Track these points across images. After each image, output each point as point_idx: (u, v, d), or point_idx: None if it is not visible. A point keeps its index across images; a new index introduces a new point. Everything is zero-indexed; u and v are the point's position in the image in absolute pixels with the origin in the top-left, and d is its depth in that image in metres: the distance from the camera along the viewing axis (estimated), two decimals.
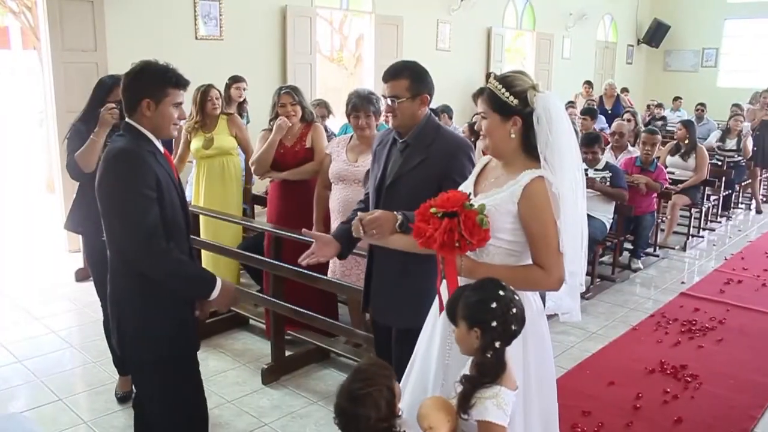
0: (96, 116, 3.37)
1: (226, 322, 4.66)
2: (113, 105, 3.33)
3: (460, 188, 2.25)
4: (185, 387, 2.59)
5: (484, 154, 2.37)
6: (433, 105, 7.79)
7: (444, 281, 2.16)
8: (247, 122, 6.44)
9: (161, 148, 2.46)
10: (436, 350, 2.22)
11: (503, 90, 2.11)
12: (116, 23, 6.51)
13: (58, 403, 3.67)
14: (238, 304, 2.56)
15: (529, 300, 2.11)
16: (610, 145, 6.93)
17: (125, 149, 2.33)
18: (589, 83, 11.76)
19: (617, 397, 3.81)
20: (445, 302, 2.21)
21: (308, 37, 8.49)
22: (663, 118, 11.58)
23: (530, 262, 2.15)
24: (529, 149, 2.13)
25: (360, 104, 3.76)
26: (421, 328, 2.35)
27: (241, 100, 6.46)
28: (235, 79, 6.39)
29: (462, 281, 2.07)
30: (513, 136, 2.12)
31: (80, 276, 5.60)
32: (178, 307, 2.48)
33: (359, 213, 2.56)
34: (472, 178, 2.33)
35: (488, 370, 1.86)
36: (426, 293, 2.36)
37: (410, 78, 2.61)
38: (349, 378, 1.90)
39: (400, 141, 2.68)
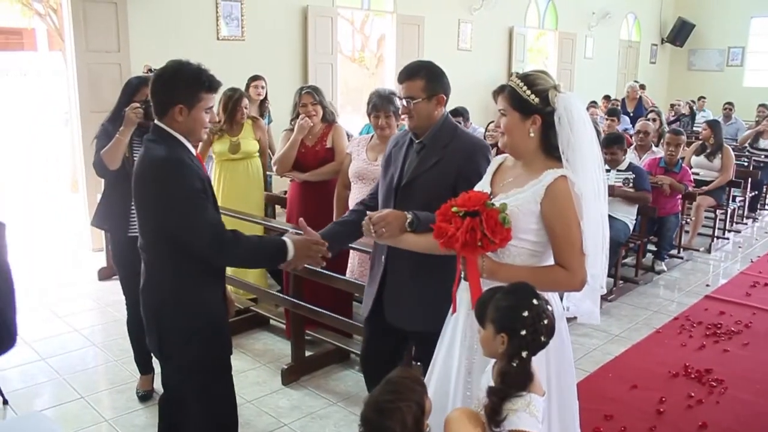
0: (122, 115, 3.43)
1: (247, 322, 4.68)
2: (138, 105, 3.38)
3: (476, 188, 2.23)
4: (218, 391, 2.58)
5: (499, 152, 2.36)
6: (455, 105, 7.75)
7: (462, 282, 2.14)
8: (269, 122, 6.46)
9: (194, 151, 2.45)
10: (457, 353, 2.20)
11: (525, 88, 2.10)
12: (139, 24, 6.57)
13: (80, 401, 3.70)
14: (321, 254, 2.57)
15: (551, 302, 2.09)
16: (634, 145, 6.85)
17: (169, 159, 2.30)
18: (607, 97, 11.54)
19: (640, 400, 3.75)
20: (459, 303, 2.20)
21: (329, 37, 8.50)
22: (693, 116, 11.43)
23: (552, 262, 2.13)
24: (548, 149, 2.13)
25: (380, 104, 3.75)
26: (440, 331, 2.34)
27: (261, 98, 6.48)
28: (254, 78, 6.42)
29: (483, 283, 2.05)
30: (532, 134, 2.12)
31: (103, 275, 5.66)
32: (217, 311, 2.50)
33: (368, 212, 2.54)
34: (487, 177, 2.31)
35: (513, 380, 1.82)
36: (443, 295, 2.35)
37: (426, 78, 2.60)
38: (379, 388, 1.84)
39: (417, 142, 2.67)
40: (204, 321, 2.43)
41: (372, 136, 3.99)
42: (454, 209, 2.03)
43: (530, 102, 2.10)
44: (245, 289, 4.66)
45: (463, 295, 2.20)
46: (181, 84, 2.33)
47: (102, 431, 3.43)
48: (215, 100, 2.44)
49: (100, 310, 5.07)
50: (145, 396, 3.73)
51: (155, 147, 2.35)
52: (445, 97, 2.65)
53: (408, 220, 2.45)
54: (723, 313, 5.09)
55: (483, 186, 2.27)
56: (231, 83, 4.94)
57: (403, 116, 2.66)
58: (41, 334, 4.55)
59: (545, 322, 1.84)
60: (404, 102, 2.60)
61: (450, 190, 2.47)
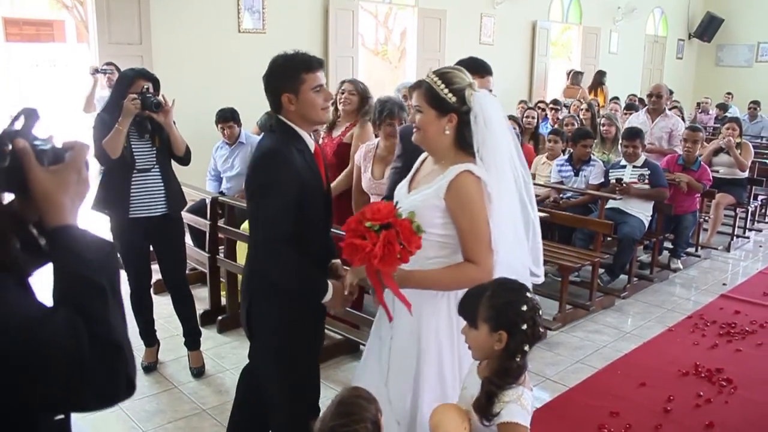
0: (119, 107, 3.53)
1: None
2: (135, 96, 3.49)
3: (399, 186, 2.29)
4: (297, 380, 2.58)
5: None
6: None
7: (386, 290, 2.15)
8: None
9: (311, 145, 2.45)
10: (443, 356, 2.24)
11: (442, 86, 2.12)
12: (161, 16, 6.66)
13: None
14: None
15: None
16: (646, 107, 6.89)
17: (272, 150, 2.35)
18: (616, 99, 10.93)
19: (648, 398, 3.74)
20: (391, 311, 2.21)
21: (350, 30, 8.53)
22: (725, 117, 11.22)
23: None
24: (463, 146, 2.15)
25: (396, 111, 3.77)
26: None
27: None
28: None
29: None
30: (447, 132, 2.14)
31: (120, 263, 5.77)
32: (309, 301, 2.47)
33: None
34: (410, 174, 2.35)
35: (515, 374, 1.84)
36: None
37: None
38: (331, 412, 1.75)
39: None
40: (292, 311, 2.42)
41: (377, 146, 3.94)
42: (368, 224, 1.97)
43: (447, 100, 2.11)
44: None
45: (389, 302, 2.23)
46: (279, 73, 2.37)
47: (113, 416, 3.50)
48: (322, 78, 2.40)
49: None
50: (149, 367, 3.91)
51: (267, 137, 2.45)
52: None
53: None
54: (738, 312, 5.04)
55: (405, 183, 2.31)
56: (251, 76, 4.92)
57: None
58: None
59: (540, 312, 1.86)
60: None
61: None
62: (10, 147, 1.10)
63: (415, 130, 2.22)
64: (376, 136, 4.15)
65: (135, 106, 3.48)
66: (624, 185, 5.54)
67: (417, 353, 2.20)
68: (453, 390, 2.16)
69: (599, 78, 11.39)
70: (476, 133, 2.10)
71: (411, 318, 2.17)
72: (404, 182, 2.33)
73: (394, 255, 1.96)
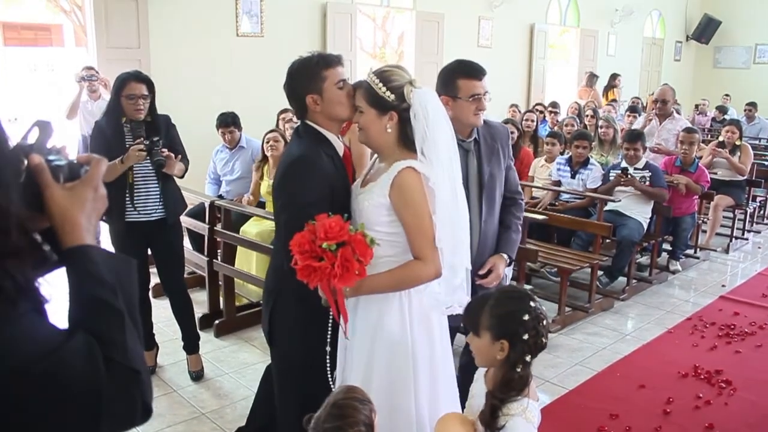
0: (114, 110, 3.57)
1: (257, 315, 4.72)
2: (142, 147, 3.46)
3: (355, 183, 2.32)
4: (310, 390, 2.49)
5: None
6: None
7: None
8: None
9: (340, 148, 2.40)
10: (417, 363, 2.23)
11: (380, 85, 2.12)
12: (159, 20, 6.66)
13: None
14: None
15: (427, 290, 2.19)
16: (655, 111, 6.81)
17: (301, 157, 2.30)
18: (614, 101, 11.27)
19: (647, 400, 3.74)
20: (342, 325, 2.18)
21: (349, 33, 8.53)
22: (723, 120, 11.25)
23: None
24: (406, 143, 2.15)
25: None
26: None
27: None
28: (282, 111, 6.25)
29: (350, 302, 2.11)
30: (389, 130, 2.15)
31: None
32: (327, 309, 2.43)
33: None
34: (364, 171, 2.36)
35: (517, 385, 1.83)
36: None
37: None
38: (324, 413, 1.73)
39: (467, 140, 2.71)
40: (312, 322, 2.36)
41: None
42: (324, 245, 1.92)
43: (386, 99, 2.12)
44: (252, 282, 4.68)
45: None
46: (298, 76, 2.34)
47: None
48: (342, 73, 2.34)
49: None
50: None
51: (296, 143, 2.39)
52: None
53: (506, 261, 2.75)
54: (737, 313, 5.04)
55: (359, 181, 2.32)
56: (249, 80, 4.94)
57: (480, 113, 2.71)
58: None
59: (545, 322, 1.84)
60: (485, 97, 2.70)
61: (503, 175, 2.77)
62: (25, 163, 1.04)
63: (358, 130, 2.24)
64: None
65: (139, 157, 3.47)
66: (630, 176, 5.53)
67: (369, 357, 2.21)
68: (406, 395, 2.16)
69: (611, 81, 11.54)
70: (416, 130, 2.11)
71: (364, 322, 2.17)
72: (359, 180, 2.34)
73: (352, 272, 1.93)
